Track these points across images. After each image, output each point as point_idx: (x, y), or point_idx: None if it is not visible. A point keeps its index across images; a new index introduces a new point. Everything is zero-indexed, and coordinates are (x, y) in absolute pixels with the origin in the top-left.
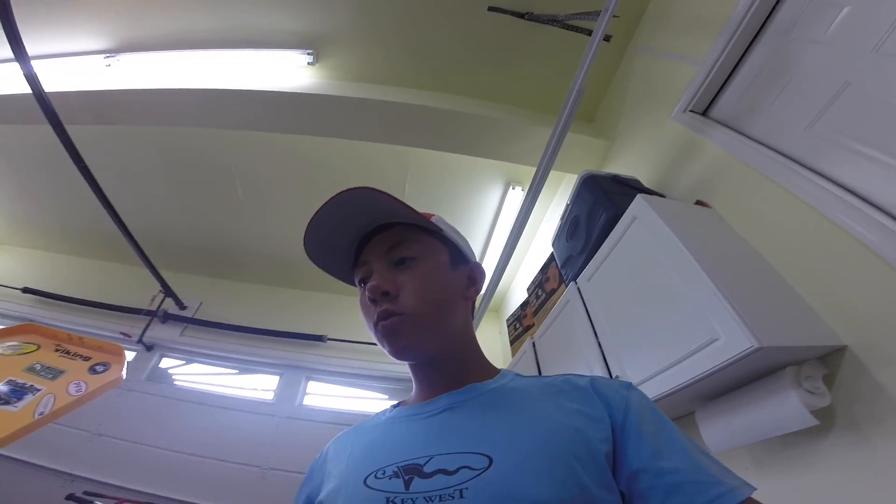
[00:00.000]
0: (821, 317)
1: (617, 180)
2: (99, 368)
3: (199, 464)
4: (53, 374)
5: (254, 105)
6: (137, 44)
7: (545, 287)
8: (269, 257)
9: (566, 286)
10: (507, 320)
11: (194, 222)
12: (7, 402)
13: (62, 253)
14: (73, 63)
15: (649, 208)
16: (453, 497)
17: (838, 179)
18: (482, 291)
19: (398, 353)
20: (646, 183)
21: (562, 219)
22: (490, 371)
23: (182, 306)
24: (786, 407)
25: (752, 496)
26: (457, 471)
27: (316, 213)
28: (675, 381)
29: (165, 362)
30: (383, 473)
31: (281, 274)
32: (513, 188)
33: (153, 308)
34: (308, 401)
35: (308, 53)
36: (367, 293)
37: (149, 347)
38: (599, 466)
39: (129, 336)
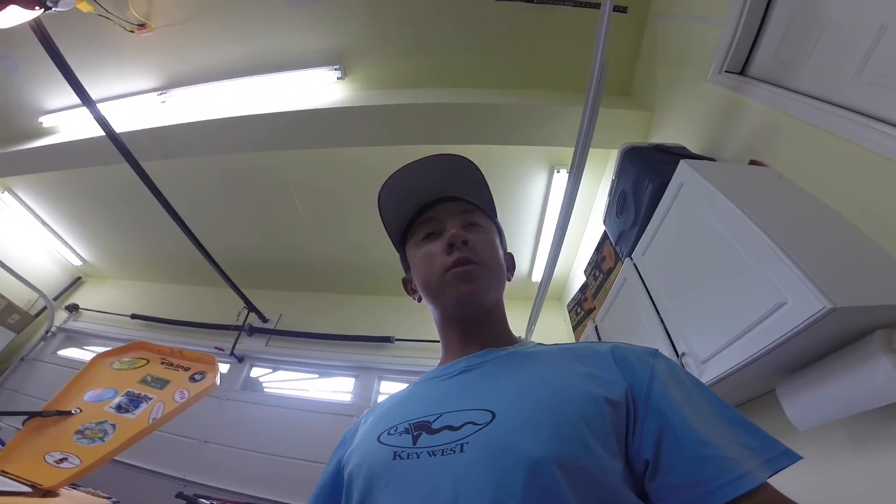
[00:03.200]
0: None
1: (660, 149)
2: (197, 377)
3: (288, 465)
4: (161, 384)
5: (295, 124)
6: (183, 79)
7: (602, 267)
8: (335, 266)
9: (622, 263)
10: (568, 306)
11: (264, 241)
12: (127, 411)
13: (158, 281)
14: (133, 102)
15: (695, 173)
16: (454, 451)
17: None
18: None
19: (469, 295)
20: (693, 149)
21: (609, 195)
22: (512, 339)
23: (264, 319)
24: (878, 375)
25: (768, 481)
26: (462, 426)
27: (407, 165)
28: (745, 353)
29: (255, 371)
30: (395, 430)
31: (347, 282)
32: (557, 172)
33: (240, 323)
34: (381, 398)
35: (335, 69)
36: (447, 239)
37: (240, 359)
38: (606, 430)
39: (223, 350)
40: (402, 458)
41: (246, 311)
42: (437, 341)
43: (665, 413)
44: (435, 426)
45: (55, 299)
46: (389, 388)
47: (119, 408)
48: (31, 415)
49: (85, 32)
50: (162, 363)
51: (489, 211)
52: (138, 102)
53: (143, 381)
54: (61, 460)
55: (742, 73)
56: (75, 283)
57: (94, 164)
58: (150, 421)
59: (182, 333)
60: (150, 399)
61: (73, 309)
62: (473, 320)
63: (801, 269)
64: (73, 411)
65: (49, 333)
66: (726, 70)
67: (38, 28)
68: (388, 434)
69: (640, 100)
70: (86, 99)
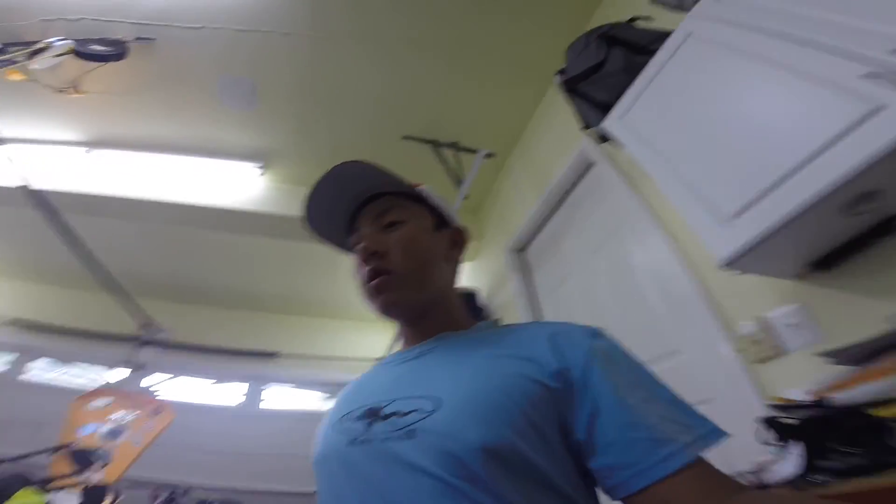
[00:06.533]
0: None
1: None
2: (156, 412)
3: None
4: (131, 417)
5: (211, 217)
6: (111, 141)
7: None
8: (227, 282)
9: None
10: None
11: (157, 251)
12: (114, 438)
13: (40, 283)
14: (56, 151)
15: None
16: (402, 438)
17: None
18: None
19: (384, 308)
20: (485, 292)
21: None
22: (465, 324)
23: (159, 330)
24: None
25: (701, 455)
26: (409, 413)
27: (315, 185)
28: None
29: (146, 381)
30: (351, 416)
31: (237, 297)
32: None
33: (140, 334)
34: (265, 403)
35: (258, 166)
36: (358, 254)
37: (138, 368)
38: (544, 414)
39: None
40: (355, 444)
41: (142, 323)
42: (321, 357)
43: (598, 394)
44: (385, 412)
45: None
46: (276, 393)
47: (106, 436)
48: (54, 450)
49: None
50: (125, 400)
51: (414, 194)
52: (62, 151)
53: (116, 417)
54: None
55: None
56: None
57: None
58: (134, 445)
59: (74, 342)
60: (128, 430)
61: None
62: (411, 320)
63: None
64: (71, 444)
65: None
66: (512, 247)
67: None
68: (345, 420)
69: (477, 229)
70: None
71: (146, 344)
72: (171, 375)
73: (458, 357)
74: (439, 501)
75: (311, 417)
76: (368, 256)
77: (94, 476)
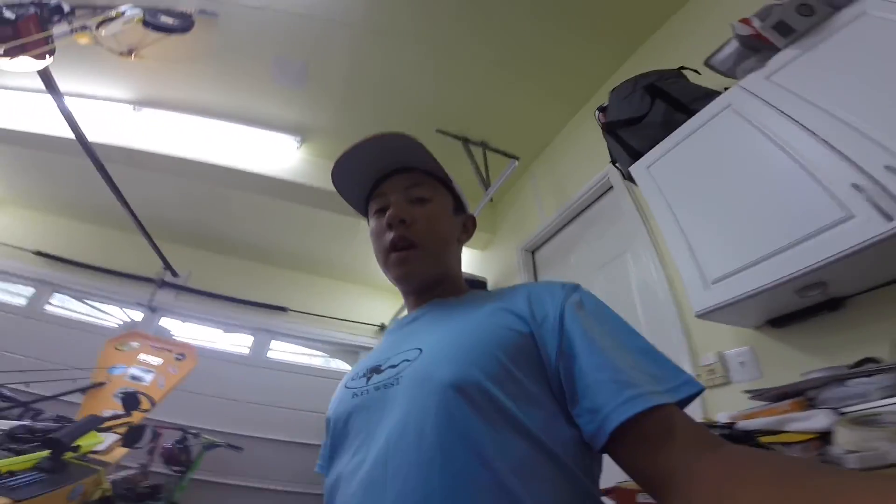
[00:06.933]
0: None
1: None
2: (179, 357)
3: (197, 398)
4: (157, 361)
5: (248, 181)
6: (159, 102)
7: None
8: (246, 234)
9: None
10: None
11: (181, 198)
12: (140, 380)
13: (63, 217)
14: (106, 106)
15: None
16: (393, 384)
17: None
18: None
19: (403, 277)
20: (490, 281)
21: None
22: (461, 291)
23: (175, 274)
24: None
25: (673, 403)
26: (399, 363)
27: (353, 145)
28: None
29: (164, 322)
30: (356, 376)
31: (254, 250)
32: None
33: (157, 277)
34: (272, 355)
35: (297, 139)
36: (386, 219)
37: (153, 310)
38: (522, 357)
39: (143, 304)
40: (358, 395)
41: (163, 266)
42: (326, 316)
43: (571, 338)
44: (382, 367)
45: None
46: (280, 346)
47: (133, 378)
48: (84, 389)
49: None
50: (152, 347)
51: (441, 177)
52: (107, 107)
53: (142, 360)
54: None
55: (533, 252)
56: None
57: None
58: (160, 388)
59: (93, 278)
60: (153, 372)
61: None
62: (420, 289)
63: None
64: (104, 383)
65: None
66: (525, 247)
67: None
68: (352, 379)
69: (492, 223)
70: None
71: (163, 286)
72: (182, 320)
73: (445, 315)
74: (419, 443)
75: (312, 373)
76: (398, 223)
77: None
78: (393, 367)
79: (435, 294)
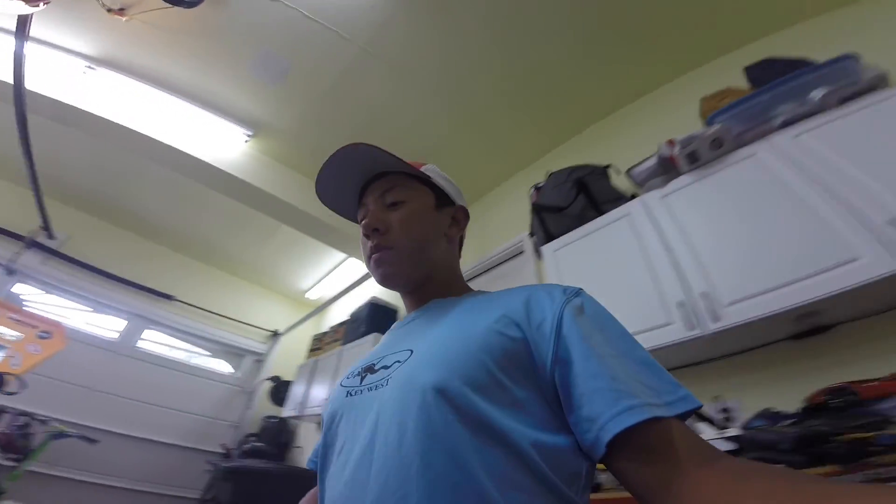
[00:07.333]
0: None
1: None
2: (43, 335)
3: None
4: (14, 337)
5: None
6: (117, 63)
7: None
8: (142, 206)
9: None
10: None
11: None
12: None
13: None
14: (59, 57)
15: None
16: (383, 385)
17: None
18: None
19: (383, 279)
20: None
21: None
22: (460, 290)
23: (51, 236)
24: None
25: (673, 416)
26: (391, 364)
27: (323, 165)
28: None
29: (18, 288)
30: (352, 374)
31: (148, 225)
32: None
33: (26, 234)
34: (142, 345)
35: (247, 133)
36: (362, 230)
37: (10, 272)
38: (511, 363)
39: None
40: (352, 394)
41: (40, 225)
42: (216, 313)
43: (569, 343)
44: (375, 367)
45: None
46: (154, 337)
47: None
48: None
49: None
50: (10, 318)
51: (417, 173)
52: (59, 58)
53: None
54: None
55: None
56: None
57: None
58: (11, 367)
59: None
60: (6, 348)
61: None
62: (410, 290)
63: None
64: None
65: None
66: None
67: None
68: (347, 378)
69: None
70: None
71: (33, 246)
72: (44, 290)
73: (439, 316)
74: (399, 446)
75: (185, 370)
76: (371, 232)
77: None
78: (385, 367)
79: (431, 293)
